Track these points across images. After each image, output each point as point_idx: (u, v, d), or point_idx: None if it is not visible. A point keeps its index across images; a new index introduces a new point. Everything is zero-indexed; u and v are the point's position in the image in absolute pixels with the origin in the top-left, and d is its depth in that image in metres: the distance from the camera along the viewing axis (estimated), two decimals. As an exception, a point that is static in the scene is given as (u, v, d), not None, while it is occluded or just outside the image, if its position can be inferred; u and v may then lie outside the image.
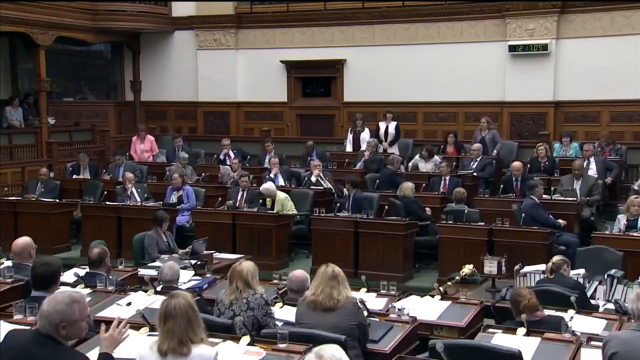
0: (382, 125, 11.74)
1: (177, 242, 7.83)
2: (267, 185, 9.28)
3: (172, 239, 7.64)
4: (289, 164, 11.63)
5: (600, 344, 3.85)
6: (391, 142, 11.61)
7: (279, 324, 4.60)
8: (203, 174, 11.08)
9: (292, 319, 4.59)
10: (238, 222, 8.86)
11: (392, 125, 11.68)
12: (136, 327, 4.20)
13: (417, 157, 10.85)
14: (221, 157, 11.86)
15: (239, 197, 9.53)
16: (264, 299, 4.58)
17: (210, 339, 3.82)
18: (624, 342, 3.69)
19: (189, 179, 10.63)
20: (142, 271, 6.39)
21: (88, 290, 5.19)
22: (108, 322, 3.54)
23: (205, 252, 7.02)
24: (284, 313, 4.79)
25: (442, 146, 11.40)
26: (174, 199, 9.64)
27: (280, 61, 13.85)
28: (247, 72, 14.24)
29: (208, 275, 6.13)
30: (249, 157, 12.05)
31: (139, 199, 9.59)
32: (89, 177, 11.21)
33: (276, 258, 8.58)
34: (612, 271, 5.76)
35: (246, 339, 4.06)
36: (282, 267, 8.24)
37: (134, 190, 9.72)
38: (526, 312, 4.50)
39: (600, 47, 11.47)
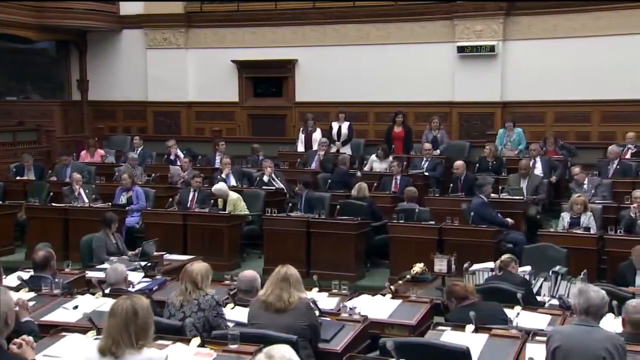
0: (334, 125, 11.78)
1: (126, 243, 7.73)
2: (219, 186, 9.21)
3: (122, 241, 7.54)
4: (240, 164, 11.57)
5: (545, 338, 3.95)
6: (344, 142, 11.66)
7: (230, 324, 4.57)
8: (153, 175, 10.93)
9: (244, 319, 4.57)
10: (189, 222, 8.77)
11: (345, 125, 11.73)
12: (83, 330, 4.12)
13: (373, 156, 10.93)
14: (171, 157, 11.71)
15: (190, 198, 9.43)
16: (214, 300, 4.55)
17: (160, 342, 3.77)
18: (566, 336, 3.79)
19: (139, 179, 10.48)
20: (89, 274, 6.27)
21: (32, 294, 5.06)
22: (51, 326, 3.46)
23: (155, 253, 6.94)
24: (236, 314, 4.77)
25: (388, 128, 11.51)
26: (123, 200, 9.49)
27: (232, 61, 13.76)
28: (198, 71, 14.10)
29: (158, 276, 6.07)
30: (199, 157, 11.94)
31: (86, 200, 9.41)
32: (34, 178, 10.92)
33: (228, 259, 8.51)
34: (557, 268, 5.91)
35: (196, 340, 4.02)
36: (234, 267, 8.18)
37: (81, 191, 9.53)
38: (459, 299, 4.67)
39: (545, 49, 11.75)
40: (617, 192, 8.82)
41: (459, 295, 4.73)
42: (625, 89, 11.25)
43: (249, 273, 5.03)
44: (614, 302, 4.64)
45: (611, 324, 4.52)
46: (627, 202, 8.02)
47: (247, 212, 9.10)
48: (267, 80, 14.05)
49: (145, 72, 14.23)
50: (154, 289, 5.69)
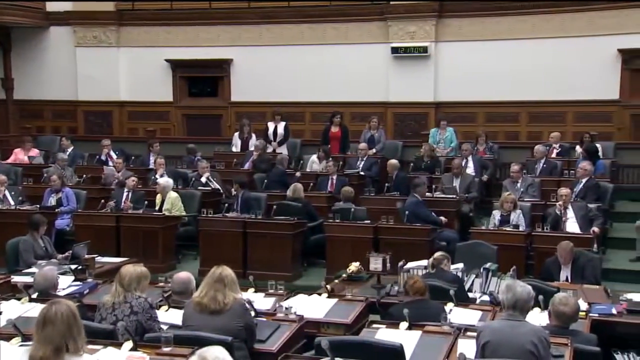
0: (270, 126, 11.74)
1: (56, 246, 7.53)
2: (165, 182, 9.18)
3: (50, 244, 7.33)
4: (175, 164, 11.42)
5: (475, 334, 4.05)
6: (280, 142, 11.64)
7: (164, 327, 4.50)
8: (84, 176, 10.66)
9: (178, 321, 4.51)
10: (122, 224, 8.63)
11: (281, 126, 11.72)
12: (7, 337, 3.97)
13: (313, 157, 10.95)
14: (102, 158, 11.44)
15: (123, 199, 9.26)
16: (148, 303, 4.47)
17: (90, 346, 3.68)
18: (495, 331, 3.91)
19: (69, 180, 10.21)
20: (15, 278, 6.07)
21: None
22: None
23: (86, 256, 6.74)
24: (170, 316, 4.71)
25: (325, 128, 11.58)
26: (52, 201, 9.24)
27: (165, 60, 13.55)
28: (131, 70, 13.81)
29: (89, 280, 5.94)
30: (132, 157, 11.71)
31: (12, 203, 9.10)
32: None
33: (163, 260, 8.41)
34: (488, 264, 6.07)
35: (129, 344, 3.94)
36: (170, 269, 8.09)
37: (7, 193, 9.21)
38: (411, 293, 4.79)
39: (476, 51, 12.03)
40: (544, 190, 9.11)
41: (406, 292, 4.86)
42: (551, 90, 11.65)
43: (183, 275, 4.99)
44: (540, 297, 4.79)
45: (537, 317, 4.68)
46: (553, 200, 8.29)
47: (183, 213, 9.01)
48: (202, 79, 13.89)
49: (75, 70, 13.83)
50: (85, 292, 5.57)
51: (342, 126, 11.53)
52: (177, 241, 8.85)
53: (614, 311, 5.27)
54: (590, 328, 4.81)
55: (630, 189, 10.12)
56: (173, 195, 9.04)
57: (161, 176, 9.97)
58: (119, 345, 3.96)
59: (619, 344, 4.65)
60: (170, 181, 9.39)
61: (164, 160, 10.56)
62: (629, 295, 5.67)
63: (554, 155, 10.47)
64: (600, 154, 10.07)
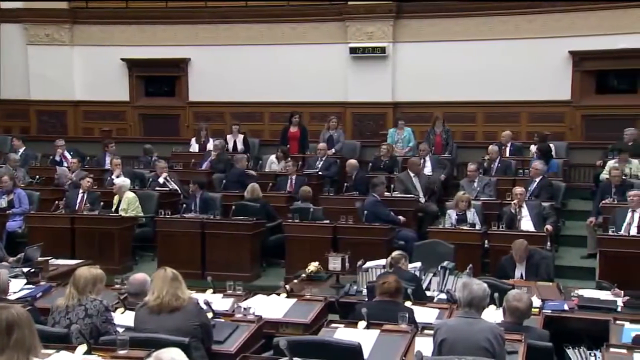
0: (230, 139, 11.64)
1: (7, 249, 7.39)
2: (122, 181, 9.09)
3: (1, 246, 7.16)
4: (132, 165, 11.26)
5: (433, 332, 4.10)
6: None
7: (120, 330, 4.43)
8: (38, 177, 10.43)
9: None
10: (77, 225, 8.51)
11: (240, 139, 11.65)
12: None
13: (272, 157, 10.91)
14: (57, 158, 11.21)
15: (78, 200, 9.10)
16: (103, 305, 4.40)
17: (44, 351, 3.60)
18: (452, 329, 3.97)
19: (21, 181, 9.99)
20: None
21: None
22: None
23: (39, 258, 6.61)
24: (126, 318, 4.64)
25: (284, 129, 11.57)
26: (3, 203, 9.04)
27: (121, 59, 13.34)
28: (85, 69, 13.56)
29: (42, 282, 5.82)
30: (87, 158, 11.50)
31: (-40, 205, 8.87)
32: None
33: (119, 262, 8.31)
34: (445, 263, 6.14)
35: (83, 347, 3.87)
36: (126, 271, 7.99)
37: (-46, 195, 8.98)
38: (377, 293, 4.78)
39: (433, 51, 12.14)
40: (499, 189, 9.26)
41: (383, 290, 4.81)
42: (506, 90, 11.82)
43: (140, 276, 4.94)
44: (496, 294, 4.88)
45: (493, 315, 4.76)
46: (508, 199, 8.44)
47: (140, 214, 8.92)
48: (159, 79, 13.73)
49: (26, 69, 13.52)
50: (38, 296, 5.45)
51: (301, 126, 11.53)
52: (134, 242, 8.75)
53: (566, 307, 5.41)
54: (544, 324, 4.91)
55: (581, 188, 10.35)
56: (130, 195, 8.94)
57: (118, 177, 9.84)
58: (72, 349, 3.89)
59: (570, 339, 4.76)
60: (128, 181, 9.30)
61: (121, 160, 10.41)
62: (581, 292, 5.84)
63: (507, 154, 10.65)
64: (553, 153, 10.29)
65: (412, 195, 9.13)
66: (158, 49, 13.13)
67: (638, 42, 11.08)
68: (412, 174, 9.50)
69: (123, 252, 8.47)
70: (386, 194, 8.83)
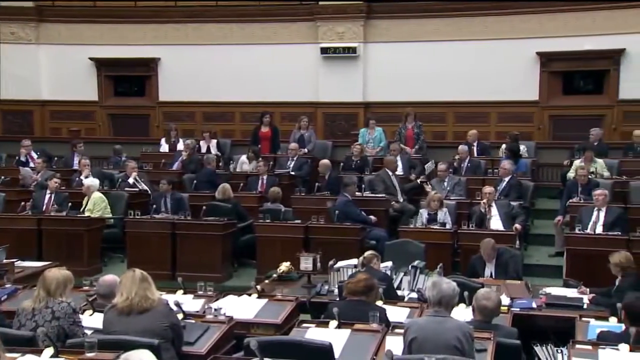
0: (203, 145, 11.55)
1: (-29, 252, 7.18)
2: (91, 182, 9.01)
3: (-34, 249, 6.98)
4: (101, 165, 11.13)
5: (403, 331, 4.12)
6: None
7: (89, 332, 4.37)
8: (3, 177, 10.24)
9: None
10: (44, 227, 8.40)
11: (214, 145, 11.58)
12: None
13: (243, 157, 10.86)
14: (22, 158, 11.03)
15: (45, 201, 8.96)
16: (71, 308, 4.34)
17: (8, 354, 3.54)
18: (421, 327, 3.99)
19: (-15, 183, 9.81)
20: None
21: None
22: None
23: (5, 260, 6.50)
24: (94, 320, 4.58)
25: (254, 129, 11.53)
26: (-32, 205, 8.84)
27: (89, 58, 13.18)
28: (53, 69, 13.36)
29: (8, 285, 5.71)
30: (55, 158, 11.34)
31: None
32: None
33: (88, 264, 8.21)
34: (416, 262, 6.19)
35: (49, 350, 3.81)
36: (95, 272, 7.88)
37: None
38: (345, 293, 4.79)
39: (403, 52, 12.21)
40: (469, 189, 9.34)
41: (351, 291, 4.79)
42: (475, 91, 11.95)
43: (109, 277, 4.87)
44: (465, 293, 4.92)
45: (462, 313, 4.80)
46: (478, 198, 8.51)
47: (109, 215, 8.82)
48: (128, 79, 13.60)
49: (-10, 68, 13.30)
50: (3, 298, 5.36)
51: (272, 126, 11.51)
52: (103, 243, 8.66)
53: (534, 305, 5.48)
54: (512, 322, 4.97)
55: (549, 187, 10.50)
56: (97, 195, 8.86)
57: (86, 177, 9.71)
58: (39, 352, 3.82)
59: (538, 336, 4.83)
60: (96, 181, 9.22)
61: (89, 161, 10.29)
62: (548, 289, 5.93)
63: (475, 154, 10.74)
64: (524, 153, 10.41)
65: (383, 195, 9.15)
66: (127, 49, 13.00)
67: (604, 44, 11.32)
68: (390, 173, 9.53)
69: (92, 253, 8.37)
70: (357, 193, 8.85)
